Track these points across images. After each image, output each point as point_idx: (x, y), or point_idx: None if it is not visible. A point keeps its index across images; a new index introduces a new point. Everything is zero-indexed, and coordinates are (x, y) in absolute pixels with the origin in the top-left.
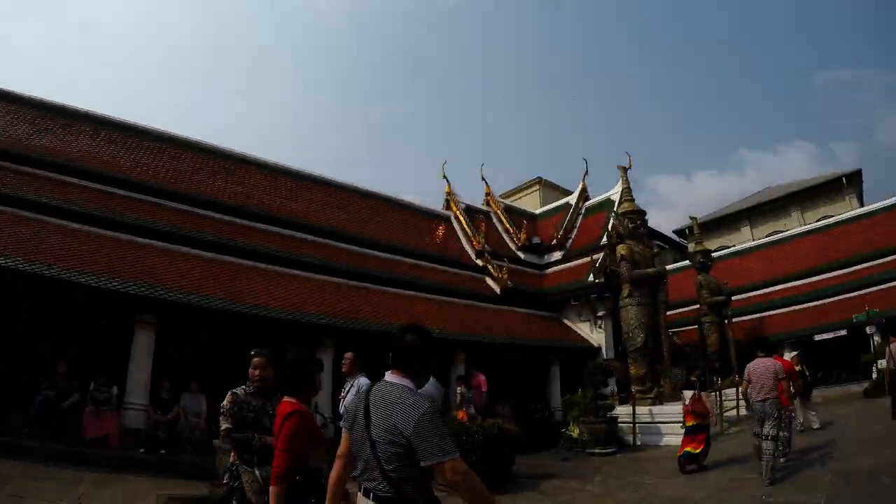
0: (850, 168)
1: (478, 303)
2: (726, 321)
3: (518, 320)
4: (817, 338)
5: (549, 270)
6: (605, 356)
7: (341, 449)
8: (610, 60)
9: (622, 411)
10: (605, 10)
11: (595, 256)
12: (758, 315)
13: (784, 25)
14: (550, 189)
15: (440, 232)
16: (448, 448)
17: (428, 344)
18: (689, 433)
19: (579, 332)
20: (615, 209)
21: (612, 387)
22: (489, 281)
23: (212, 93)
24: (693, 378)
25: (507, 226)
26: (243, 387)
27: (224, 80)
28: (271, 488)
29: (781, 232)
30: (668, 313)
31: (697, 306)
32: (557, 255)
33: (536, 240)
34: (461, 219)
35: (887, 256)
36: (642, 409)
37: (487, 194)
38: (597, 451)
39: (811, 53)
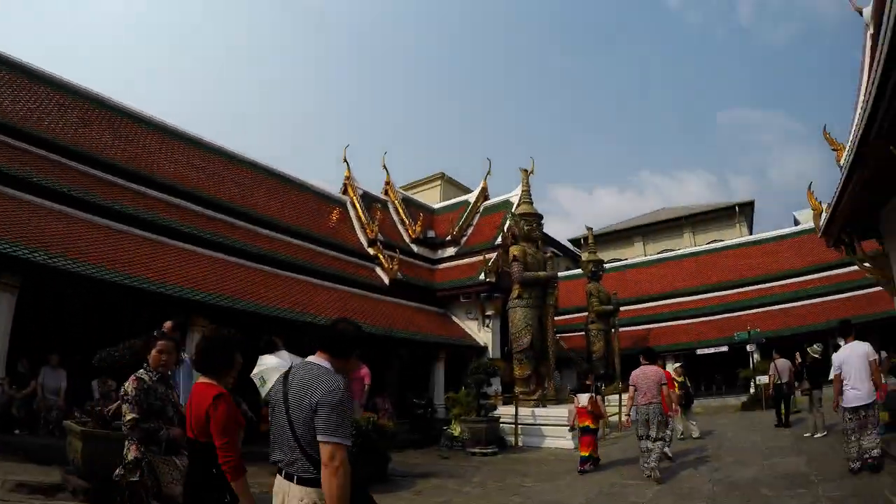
0: (744, 198)
1: (366, 292)
2: (613, 330)
3: (406, 313)
4: (699, 352)
5: (442, 266)
6: (490, 356)
7: None
8: (534, 70)
9: (505, 412)
10: (535, 21)
11: (488, 255)
12: (644, 326)
13: (697, 62)
14: (452, 186)
15: (334, 217)
16: (341, 432)
17: (359, 335)
18: (585, 434)
19: (467, 329)
20: (513, 210)
21: (496, 387)
22: (379, 271)
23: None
24: (588, 382)
25: (404, 217)
26: (147, 371)
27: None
28: (234, 483)
29: (673, 251)
30: (557, 318)
31: (586, 313)
32: (451, 250)
33: (431, 233)
34: (357, 205)
35: (769, 283)
36: (525, 411)
37: (387, 183)
38: (477, 450)
39: (721, 91)
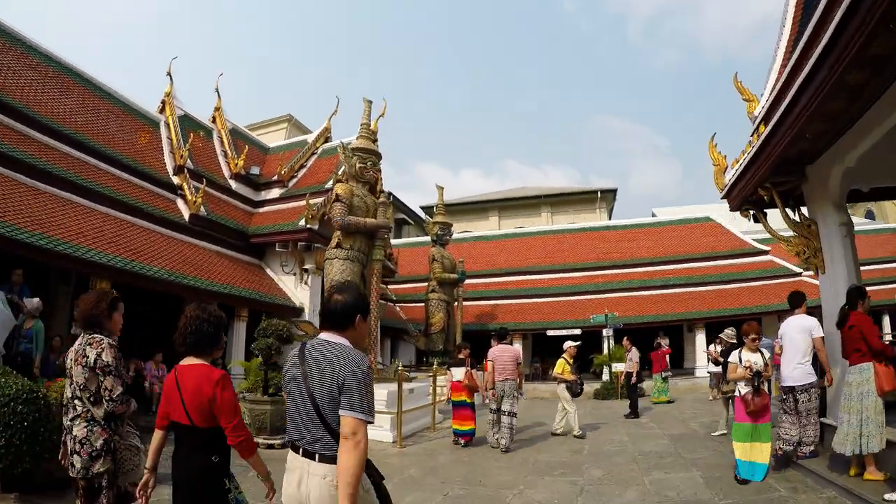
0: (607, 185)
1: (161, 228)
2: (457, 302)
3: (206, 258)
4: (550, 332)
5: (264, 209)
6: (307, 317)
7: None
8: (428, 50)
9: None
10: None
11: (313, 199)
12: (492, 301)
13: (578, 67)
14: (300, 131)
15: (144, 137)
16: (364, 408)
17: (359, 304)
18: (460, 408)
19: (282, 285)
20: (346, 144)
21: None
22: (181, 204)
23: None
24: (462, 356)
25: (227, 149)
26: (109, 338)
27: None
28: (251, 459)
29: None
30: (397, 287)
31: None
32: (276, 192)
33: (256, 171)
34: (172, 127)
35: (628, 268)
36: None
37: (216, 109)
38: (261, 440)
39: (596, 97)
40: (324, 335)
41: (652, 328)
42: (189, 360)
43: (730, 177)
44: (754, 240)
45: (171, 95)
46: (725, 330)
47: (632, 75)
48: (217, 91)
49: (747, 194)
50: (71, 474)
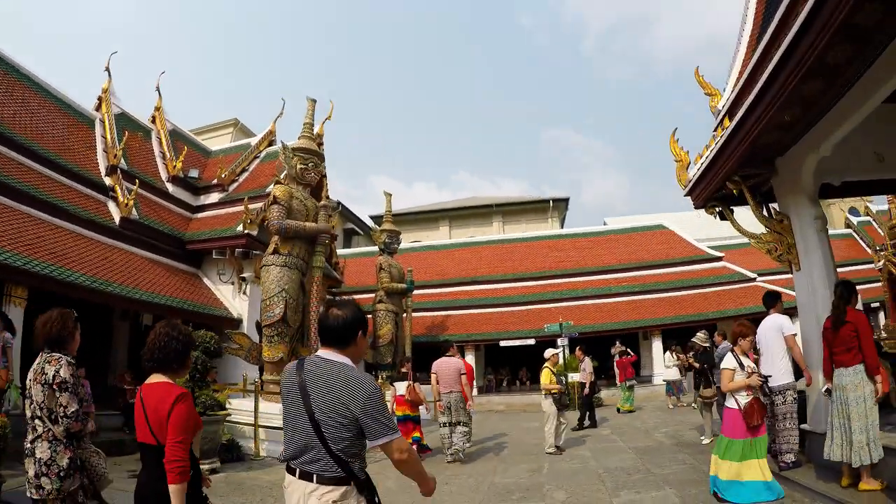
0: (559, 194)
1: (91, 232)
2: (405, 313)
3: (139, 265)
4: (503, 343)
5: (202, 214)
6: (246, 330)
7: None
8: (380, 61)
9: (242, 407)
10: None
11: (252, 204)
12: (443, 312)
13: (532, 80)
14: (246, 135)
15: (75, 135)
16: (393, 426)
17: (360, 319)
18: (402, 422)
19: (219, 295)
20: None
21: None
22: (112, 207)
23: None
24: (405, 369)
25: (166, 150)
26: (68, 357)
27: None
28: (174, 486)
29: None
30: (349, 297)
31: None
32: (215, 196)
33: (195, 173)
34: (107, 125)
35: (582, 276)
36: (272, 407)
37: (157, 108)
38: None
39: (549, 110)
40: (324, 353)
41: (607, 336)
42: (154, 378)
43: (694, 172)
44: (708, 247)
45: (108, 92)
46: (698, 334)
47: (586, 88)
48: (158, 90)
49: (714, 190)
50: (36, 496)
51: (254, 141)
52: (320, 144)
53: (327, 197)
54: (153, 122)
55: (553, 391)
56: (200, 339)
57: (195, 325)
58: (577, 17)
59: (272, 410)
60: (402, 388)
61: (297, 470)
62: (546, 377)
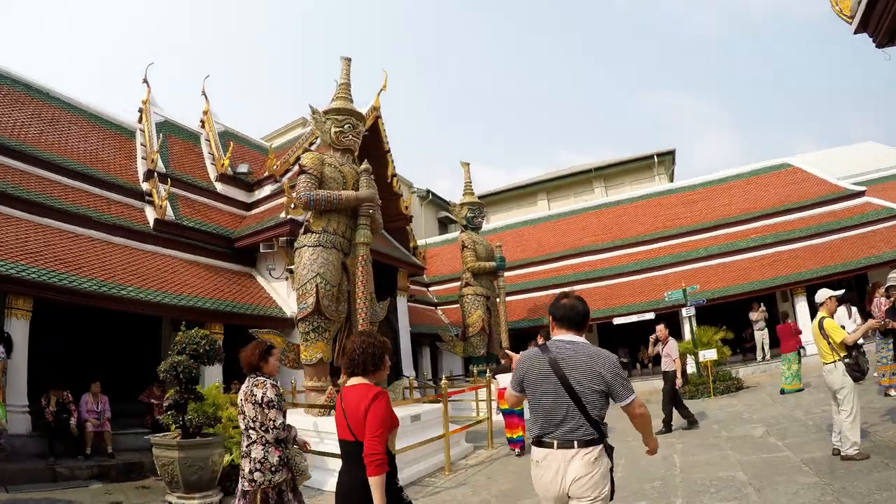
0: (663, 148)
1: (124, 239)
2: (498, 297)
3: (176, 268)
4: (617, 321)
5: (256, 210)
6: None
7: None
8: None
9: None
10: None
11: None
12: (545, 292)
13: (620, 45)
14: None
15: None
16: (632, 388)
17: (585, 310)
18: (508, 416)
19: (272, 293)
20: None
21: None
22: (149, 211)
23: None
24: (505, 361)
25: (215, 151)
26: (271, 379)
27: None
28: (373, 478)
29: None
30: (438, 289)
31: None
32: (268, 189)
33: (244, 168)
34: (147, 134)
35: (699, 234)
36: (305, 421)
37: (205, 112)
38: (174, 499)
39: (641, 73)
40: (565, 336)
41: (740, 301)
42: (354, 381)
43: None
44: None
45: (148, 102)
46: (891, 273)
47: (677, 44)
48: (204, 94)
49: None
50: (248, 487)
51: (310, 128)
52: (377, 118)
53: (394, 175)
54: (202, 126)
55: (842, 356)
56: (189, 341)
57: (246, 328)
58: None
59: (304, 424)
60: (504, 380)
61: (555, 442)
62: (833, 330)
